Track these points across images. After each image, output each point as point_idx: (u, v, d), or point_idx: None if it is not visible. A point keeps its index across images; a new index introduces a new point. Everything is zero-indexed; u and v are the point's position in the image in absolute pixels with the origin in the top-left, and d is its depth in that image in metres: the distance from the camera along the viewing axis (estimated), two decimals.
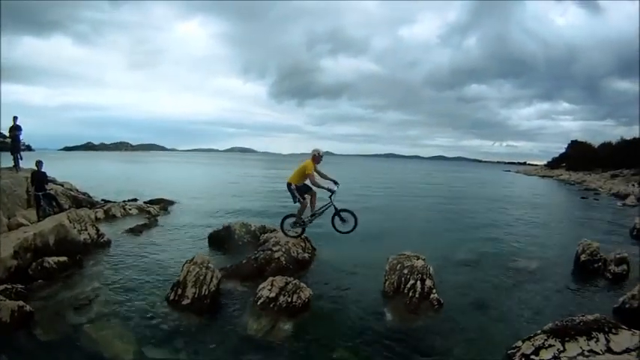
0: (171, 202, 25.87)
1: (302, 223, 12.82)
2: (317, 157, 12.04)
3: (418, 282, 10.67)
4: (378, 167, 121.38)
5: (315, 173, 12.03)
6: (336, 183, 12.26)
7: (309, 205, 12.46)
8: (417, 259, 11.08)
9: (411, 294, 10.53)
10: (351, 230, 12.15)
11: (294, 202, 12.41)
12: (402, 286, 10.74)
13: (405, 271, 10.90)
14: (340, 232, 12.10)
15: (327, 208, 12.61)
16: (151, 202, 24.70)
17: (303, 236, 13.36)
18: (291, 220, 12.93)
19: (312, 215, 12.71)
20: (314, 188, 12.30)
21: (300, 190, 12.22)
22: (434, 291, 10.63)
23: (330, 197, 12.20)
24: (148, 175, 54.38)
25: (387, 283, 10.97)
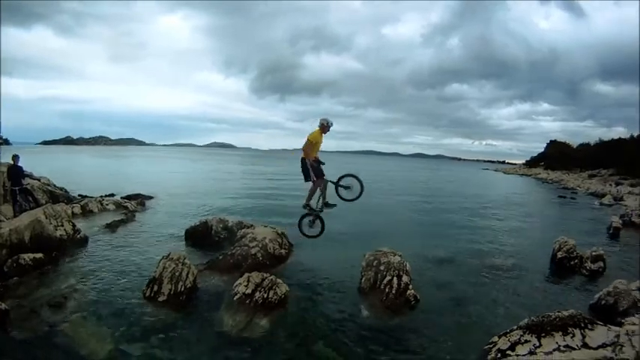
0: (149, 198, 25.54)
1: (312, 210, 10.92)
2: (325, 126, 10.22)
3: (395, 278, 10.65)
4: (357, 163, 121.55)
5: (317, 143, 10.31)
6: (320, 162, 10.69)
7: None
8: (394, 256, 11.08)
9: (387, 290, 10.50)
10: (360, 194, 10.51)
11: (306, 181, 10.52)
12: (379, 282, 10.71)
13: (382, 268, 10.88)
14: (349, 200, 10.56)
15: (326, 185, 10.86)
16: (129, 197, 24.35)
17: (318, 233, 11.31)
18: (309, 219, 11.15)
19: (321, 198, 10.88)
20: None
21: (316, 167, 10.36)
22: (410, 287, 10.64)
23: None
24: (126, 170, 53.82)
25: (364, 279, 10.95)
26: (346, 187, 10.58)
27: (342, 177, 10.67)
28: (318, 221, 10.98)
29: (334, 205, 10.76)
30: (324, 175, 10.38)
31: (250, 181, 42.66)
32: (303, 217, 11.00)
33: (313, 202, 10.73)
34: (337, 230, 13.02)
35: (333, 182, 10.49)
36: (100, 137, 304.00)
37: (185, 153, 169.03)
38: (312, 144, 10.02)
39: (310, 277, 12.14)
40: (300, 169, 10.25)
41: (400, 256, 11.14)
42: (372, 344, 8.50)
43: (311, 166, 10.13)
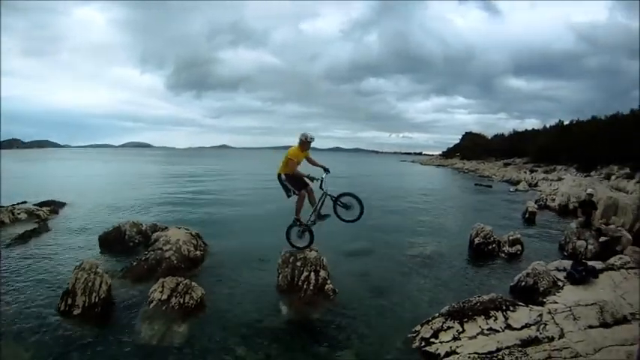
0: (62, 204, 24.22)
1: (303, 224, 10.63)
2: (304, 142, 9.97)
3: (312, 274, 10.62)
4: (276, 159, 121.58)
5: (297, 161, 10.03)
6: (325, 170, 10.29)
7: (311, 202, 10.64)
8: (310, 251, 10.98)
9: (305, 286, 10.47)
10: (359, 216, 10.02)
11: (288, 197, 10.37)
12: (296, 278, 10.64)
13: (299, 264, 10.78)
14: (347, 220, 10.12)
15: (323, 200, 10.48)
16: (42, 204, 22.90)
17: (309, 246, 11.05)
18: (297, 229, 10.80)
19: (313, 213, 10.55)
20: (310, 184, 10.40)
21: (293, 180, 10.12)
22: (329, 282, 10.65)
23: (320, 187, 10.22)
24: (39, 175, 51.24)
25: (281, 276, 10.81)
26: (346, 207, 10.23)
27: (342, 195, 10.28)
28: (307, 233, 10.77)
29: (328, 216, 10.50)
30: (306, 186, 10.20)
31: (166, 182, 41.74)
32: (291, 226, 10.78)
33: (304, 215, 10.60)
34: (253, 228, 12.74)
35: (332, 198, 10.22)
36: (13, 140, 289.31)
37: (100, 154, 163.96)
38: (291, 162, 9.90)
39: (227, 277, 11.92)
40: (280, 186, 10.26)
41: (317, 251, 11.02)
42: (293, 342, 8.43)
43: (288, 180, 10.08)
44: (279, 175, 10.12)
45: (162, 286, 9.37)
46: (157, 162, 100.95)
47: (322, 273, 10.65)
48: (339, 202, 10.20)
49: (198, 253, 13.14)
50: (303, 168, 10.22)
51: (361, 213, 9.95)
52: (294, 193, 10.15)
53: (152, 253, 12.20)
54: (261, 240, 15.49)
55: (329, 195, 10.20)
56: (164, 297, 9.16)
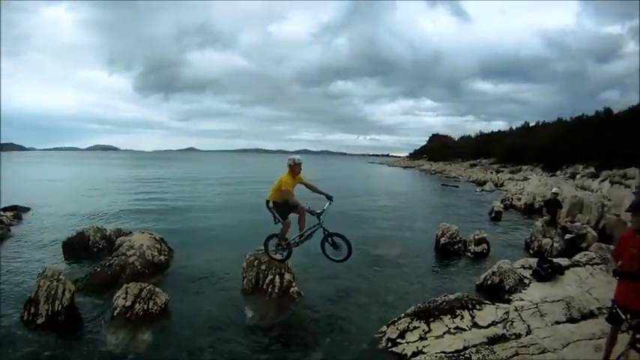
0: (26, 209, 23.63)
1: (286, 245, 10.23)
2: (293, 166, 9.38)
3: (277, 277, 10.63)
4: (247, 164, 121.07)
5: (291, 189, 9.45)
6: (329, 198, 9.84)
7: (299, 224, 10.20)
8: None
9: (270, 289, 10.46)
10: (344, 259, 9.73)
11: (275, 223, 9.80)
12: (261, 282, 10.64)
13: (263, 267, 10.79)
14: (331, 259, 9.87)
15: (315, 230, 9.91)
16: (4, 209, 22.31)
17: (287, 259, 10.78)
18: (276, 240, 10.29)
19: (300, 236, 10.09)
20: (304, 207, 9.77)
21: (281, 208, 9.58)
22: (294, 284, 10.69)
23: (318, 217, 9.61)
24: (1, 180, 50.32)
25: (246, 280, 10.81)
26: (335, 246, 9.79)
27: (335, 234, 9.71)
28: (286, 250, 10.44)
29: (311, 237, 10.15)
30: (296, 208, 9.67)
31: (132, 187, 41.07)
32: (269, 237, 10.39)
33: (290, 237, 10.23)
34: (219, 232, 12.55)
35: (325, 232, 9.70)
36: None
37: (66, 158, 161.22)
38: (287, 192, 9.36)
39: (192, 281, 11.79)
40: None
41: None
42: (259, 346, 8.35)
43: (275, 207, 9.62)
44: (267, 202, 9.64)
45: (126, 293, 9.22)
46: (122, 165, 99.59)
47: (287, 276, 10.66)
48: (329, 240, 9.71)
49: (162, 257, 12.94)
50: (300, 194, 9.82)
51: (346, 258, 9.67)
52: (279, 221, 9.66)
53: (116, 258, 11.99)
54: (226, 243, 15.56)
55: (323, 228, 9.65)
56: (128, 303, 9.02)
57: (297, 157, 9.49)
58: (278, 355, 7.97)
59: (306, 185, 9.82)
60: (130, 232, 14.62)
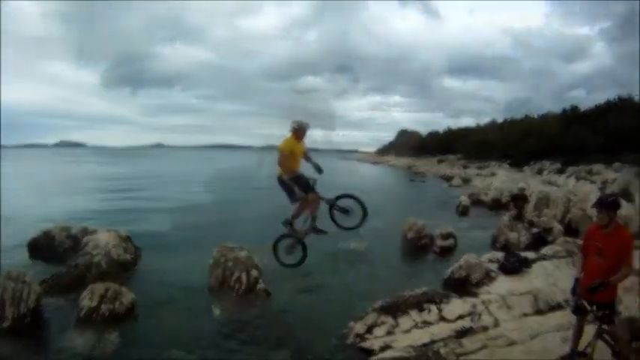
0: None
1: (297, 233, 7.84)
2: (298, 130, 7.36)
3: (243, 274, 10.58)
4: (211, 159, 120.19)
5: (290, 153, 7.28)
6: (318, 170, 7.71)
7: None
8: (241, 251, 11.00)
9: (237, 286, 10.44)
10: (361, 222, 7.70)
11: (292, 202, 7.61)
12: (228, 279, 10.60)
13: (230, 264, 10.75)
14: (346, 228, 7.93)
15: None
16: None
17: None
18: (288, 241, 7.97)
19: (312, 224, 7.82)
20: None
21: (300, 181, 7.44)
22: (260, 281, 10.65)
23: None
24: None
25: (212, 277, 10.78)
26: (344, 211, 7.70)
27: (340, 197, 7.78)
28: (299, 246, 8.00)
29: (325, 233, 7.87)
30: (314, 191, 7.54)
31: (98, 184, 40.40)
32: (280, 238, 8.03)
33: (299, 223, 7.82)
34: (185, 229, 12.37)
35: (328, 201, 7.66)
36: None
37: (33, 154, 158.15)
38: (285, 155, 7.24)
39: (158, 280, 11.67)
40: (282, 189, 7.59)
41: (247, 250, 11.04)
42: (227, 343, 8.34)
43: (292, 180, 7.35)
44: (279, 179, 7.38)
45: (92, 293, 9.10)
46: (89, 162, 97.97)
47: (254, 272, 10.62)
48: (335, 207, 7.66)
49: (128, 256, 12.81)
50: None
51: (364, 217, 7.60)
52: (297, 198, 7.50)
53: (81, 258, 11.81)
54: (192, 240, 15.40)
55: (324, 198, 7.64)
56: (94, 304, 8.91)
57: (304, 121, 7.48)
58: (245, 354, 7.96)
59: (306, 156, 7.71)
60: (96, 231, 14.13)
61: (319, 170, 7.69)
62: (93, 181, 47.12)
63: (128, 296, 9.30)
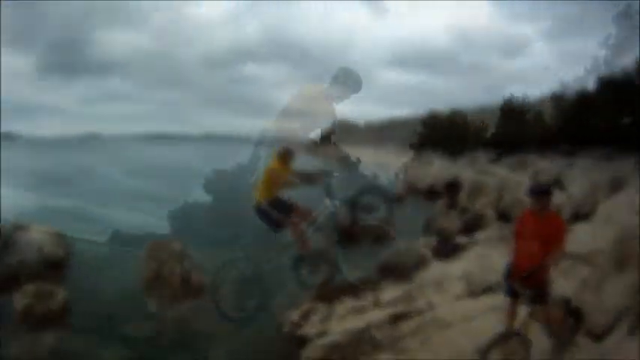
0: None
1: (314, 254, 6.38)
2: (284, 154, 5.75)
3: (178, 266, 10.41)
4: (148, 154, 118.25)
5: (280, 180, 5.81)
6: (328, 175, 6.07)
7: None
8: (174, 243, 10.94)
9: (172, 279, 10.25)
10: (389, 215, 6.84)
11: (275, 232, 6.27)
12: (162, 273, 10.41)
13: (164, 257, 10.55)
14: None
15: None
16: None
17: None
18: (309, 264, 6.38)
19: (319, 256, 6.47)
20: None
21: (280, 205, 5.81)
22: (196, 274, 10.48)
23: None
24: None
25: (147, 271, 10.54)
26: (367, 209, 6.37)
27: (361, 193, 6.33)
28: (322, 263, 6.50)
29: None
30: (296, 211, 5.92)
31: (34, 179, 39.08)
32: (297, 261, 6.39)
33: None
34: (119, 225, 12.04)
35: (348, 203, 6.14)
36: None
37: None
38: (270, 181, 5.73)
39: (93, 277, 11.43)
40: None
41: (181, 243, 10.99)
42: (164, 339, 8.40)
43: (272, 205, 5.75)
44: (258, 205, 5.76)
45: (23, 294, 8.94)
46: (23, 156, 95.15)
47: (186, 264, 10.47)
48: (358, 205, 6.17)
49: (61, 252, 12.21)
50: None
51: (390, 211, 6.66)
52: (281, 226, 5.93)
53: (12, 256, 11.24)
54: (128, 235, 15.18)
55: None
56: (27, 305, 8.74)
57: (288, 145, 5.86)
58: (185, 349, 8.02)
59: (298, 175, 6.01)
60: (26, 227, 13.59)
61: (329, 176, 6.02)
62: (26, 175, 45.92)
63: (61, 295, 9.10)
